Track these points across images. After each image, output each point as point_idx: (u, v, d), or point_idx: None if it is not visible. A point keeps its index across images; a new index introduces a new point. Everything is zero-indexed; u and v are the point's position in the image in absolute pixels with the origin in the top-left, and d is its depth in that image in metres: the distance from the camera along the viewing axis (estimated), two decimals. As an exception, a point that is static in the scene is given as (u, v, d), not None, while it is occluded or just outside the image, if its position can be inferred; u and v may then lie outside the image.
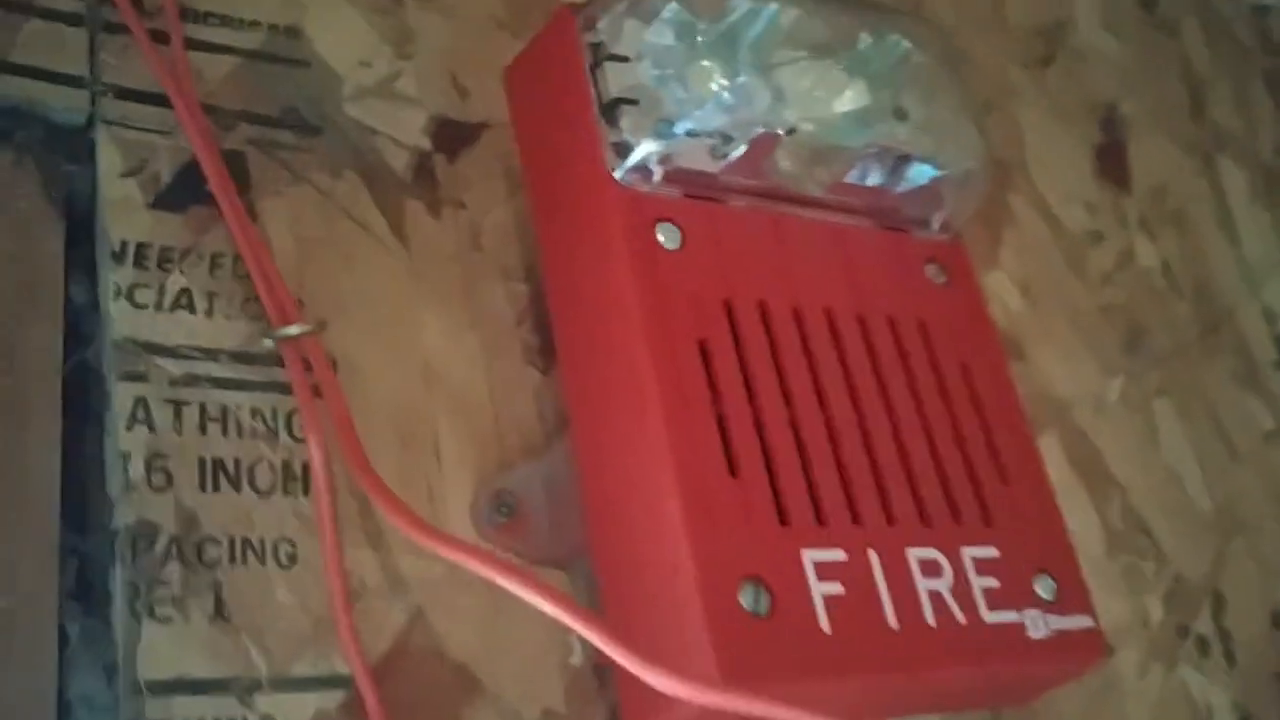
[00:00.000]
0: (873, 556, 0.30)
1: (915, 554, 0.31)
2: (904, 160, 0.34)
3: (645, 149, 0.31)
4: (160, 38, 0.34)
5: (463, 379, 0.34)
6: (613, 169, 0.31)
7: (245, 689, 0.28)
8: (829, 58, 0.34)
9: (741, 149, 0.32)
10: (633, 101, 0.31)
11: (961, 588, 0.31)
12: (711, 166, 0.32)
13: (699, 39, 0.32)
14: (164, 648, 0.28)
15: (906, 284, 0.35)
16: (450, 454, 0.33)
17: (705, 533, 0.28)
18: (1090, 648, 0.32)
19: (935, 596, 0.30)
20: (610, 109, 0.31)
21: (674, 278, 0.31)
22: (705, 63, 0.32)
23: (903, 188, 0.35)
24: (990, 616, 0.31)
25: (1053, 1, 0.57)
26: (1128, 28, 0.59)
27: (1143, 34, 0.59)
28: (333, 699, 0.29)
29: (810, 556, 0.29)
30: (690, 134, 0.31)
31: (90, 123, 0.32)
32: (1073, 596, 0.33)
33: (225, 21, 0.36)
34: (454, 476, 0.33)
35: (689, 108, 0.31)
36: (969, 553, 0.31)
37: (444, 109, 0.38)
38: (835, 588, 0.29)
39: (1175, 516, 0.47)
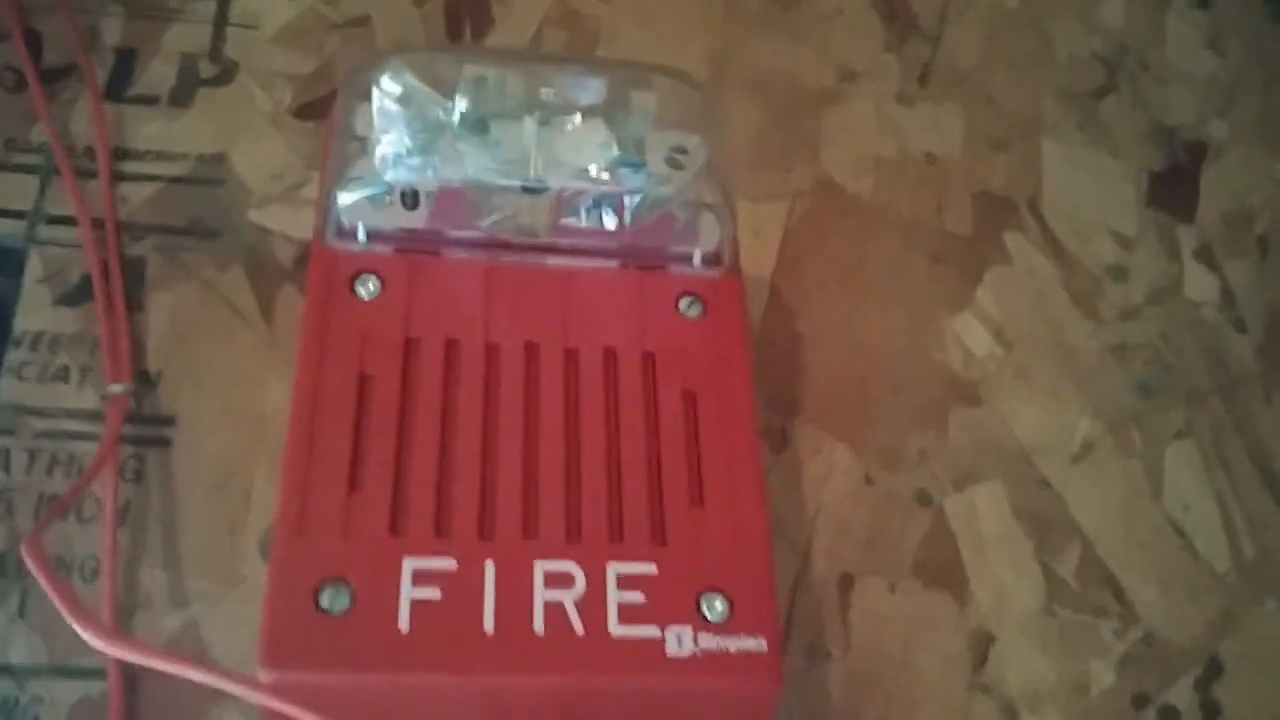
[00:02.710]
0: (489, 567, 0.31)
1: (545, 566, 0.31)
2: (620, 202, 0.36)
3: (337, 210, 0.35)
4: (95, 175, 0.44)
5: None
6: (321, 233, 0.36)
7: (24, 674, 0.35)
8: (551, 114, 0.36)
9: (425, 207, 0.35)
10: (358, 176, 0.36)
11: (592, 601, 0.31)
12: (412, 222, 0.36)
13: (422, 108, 0.36)
14: (-34, 637, 0.36)
15: (642, 317, 0.36)
16: (260, 496, 0.39)
17: (292, 539, 0.31)
18: (757, 671, 0.31)
19: (554, 607, 0.31)
20: (334, 180, 0.36)
21: (361, 323, 0.35)
22: (410, 126, 0.36)
23: (636, 228, 0.36)
24: (619, 630, 0.31)
25: (1126, 29, 0.53)
26: (1237, 43, 0.53)
27: (1258, 46, 0.53)
28: (96, 688, 0.35)
29: (412, 564, 0.31)
30: (375, 190, 0.35)
31: (26, 244, 0.42)
32: (749, 620, 0.31)
33: (159, 156, 0.45)
34: (258, 515, 0.38)
35: (380, 168, 0.35)
36: (616, 568, 0.32)
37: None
38: (431, 593, 0.31)
39: (1164, 574, 0.41)
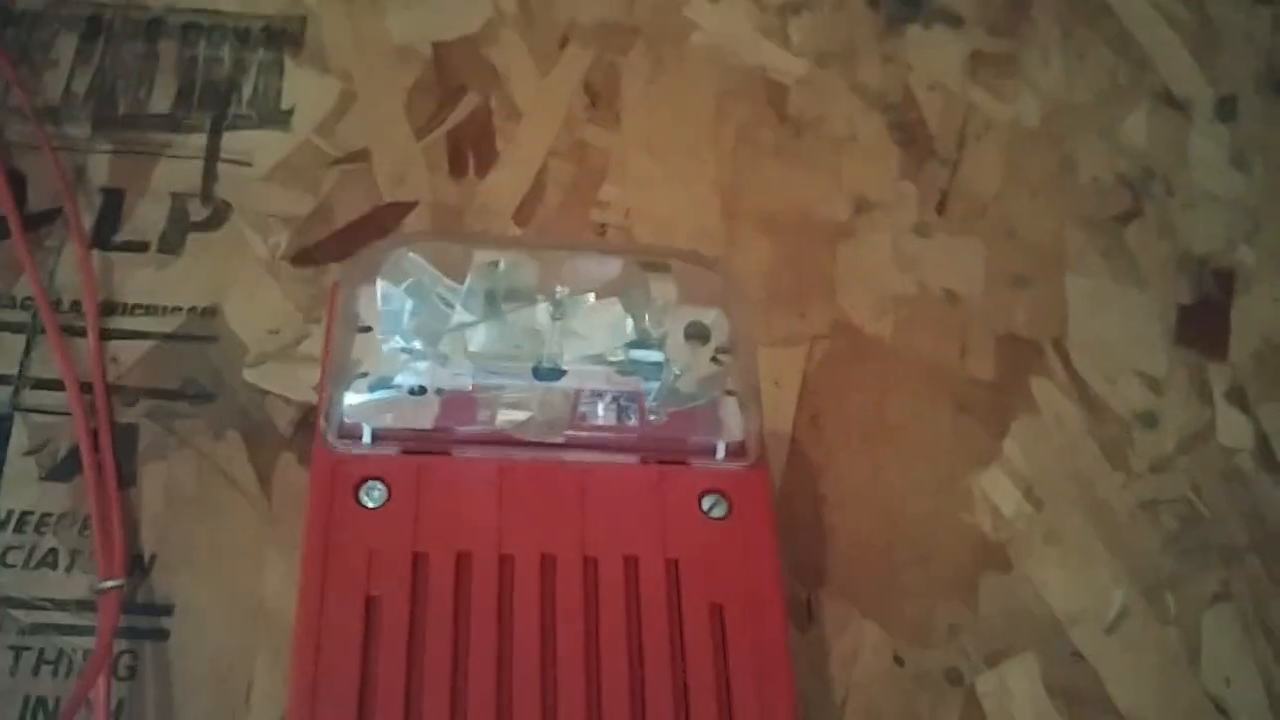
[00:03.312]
0: (507, 819, 0.30)
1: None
2: (640, 396, 0.34)
3: (340, 410, 0.33)
4: (83, 333, 0.42)
5: (291, 616, 0.38)
6: (324, 433, 0.34)
7: None
8: (567, 300, 0.34)
9: (435, 405, 0.33)
10: (363, 374, 0.34)
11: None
12: (420, 421, 0.34)
13: (431, 296, 0.34)
14: None
15: (663, 519, 0.34)
16: (260, 692, 0.37)
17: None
18: None
19: None
20: (339, 378, 0.34)
21: (366, 535, 0.33)
22: (418, 319, 0.34)
23: (654, 421, 0.34)
24: None
25: (1149, 147, 0.51)
26: (1261, 159, 0.51)
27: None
28: None
29: (427, 817, 0.29)
30: (383, 390, 0.33)
31: (11, 411, 0.40)
32: None
33: (149, 310, 0.43)
34: (259, 714, 0.36)
35: (388, 365, 0.33)
36: (644, 815, 0.30)
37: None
38: None
39: (1204, 754, 0.39)
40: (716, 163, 0.48)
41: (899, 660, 0.39)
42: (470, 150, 0.47)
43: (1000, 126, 0.51)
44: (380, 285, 0.34)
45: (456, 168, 0.47)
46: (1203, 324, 0.47)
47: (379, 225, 0.45)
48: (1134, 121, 0.52)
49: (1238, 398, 0.46)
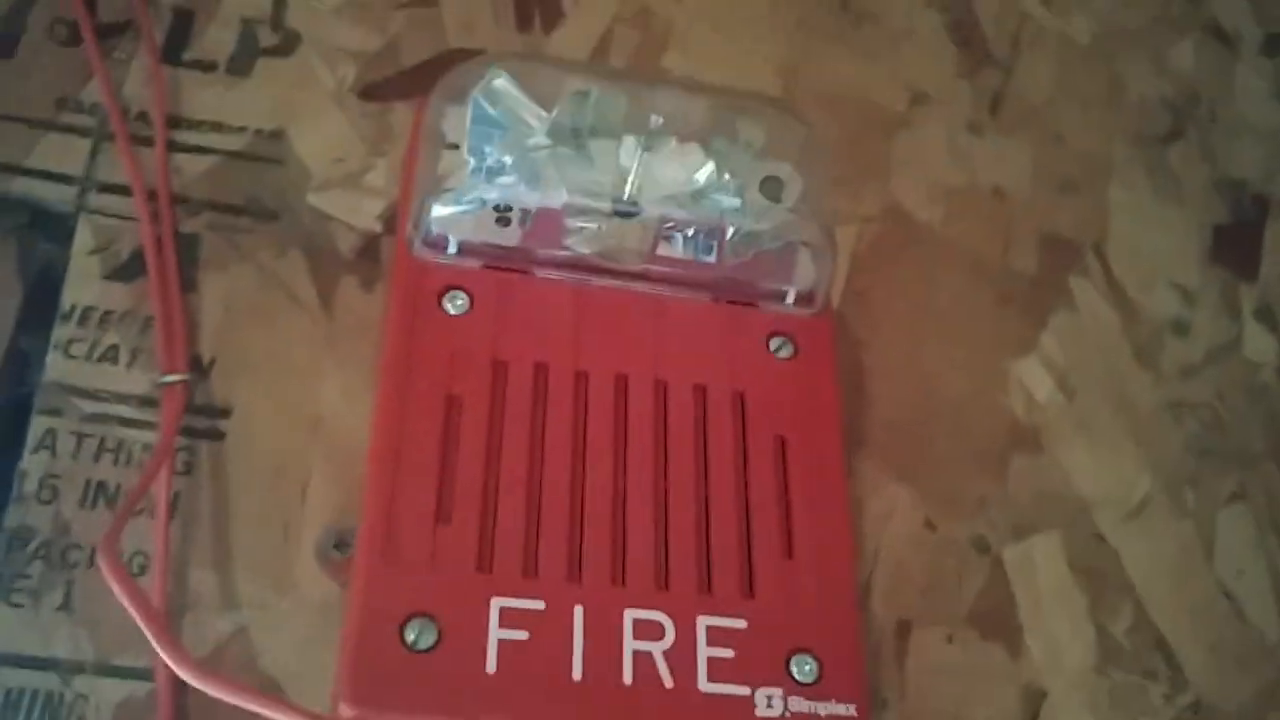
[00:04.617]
0: (578, 612, 0.30)
1: (634, 615, 0.31)
2: (721, 235, 0.35)
3: (429, 220, 0.34)
4: (149, 142, 0.42)
5: (349, 433, 0.38)
6: (410, 242, 0.34)
7: (69, 670, 0.34)
8: (653, 137, 0.35)
9: (522, 221, 0.34)
10: (453, 188, 0.35)
11: (682, 654, 0.30)
12: (504, 239, 0.34)
13: (521, 120, 0.35)
14: (8, 627, 0.34)
15: (732, 355, 0.35)
16: (316, 496, 0.37)
17: (379, 570, 0.30)
18: (845, 738, 0.30)
19: (643, 658, 0.30)
20: (428, 190, 0.35)
21: (449, 339, 0.33)
22: (506, 139, 0.34)
23: (731, 262, 0.35)
24: (707, 686, 0.30)
25: (1196, 75, 0.52)
26: (1302, 97, 0.52)
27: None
28: (143, 689, 0.34)
29: (500, 603, 0.30)
30: (471, 205, 0.34)
31: (75, 211, 0.40)
32: (839, 684, 0.31)
33: (216, 127, 0.43)
34: (313, 516, 0.37)
35: (475, 182, 0.34)
36: (706, 621, 0.31)
37: (405, 197, 0.43)
38: (519, 634, 0.30)
39: (1214, 640, 0.41)
40: (777, 43, 0.49)
41: (930, 525, 0.40)
42: (537, 7, 0.48)
43: (1053, 38, 0.52)
44: (471, 103, 0.35)
45: (523, 22, 0.47)
46: (1237, 245, 0.48)
47: (445, 69, 0.45)
48: (1182, 49, 0.53)
49: (1265, 316, 0.47)
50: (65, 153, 0.41)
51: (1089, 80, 0.51)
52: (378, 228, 0.42)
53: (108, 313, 0.39)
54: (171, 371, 0.37)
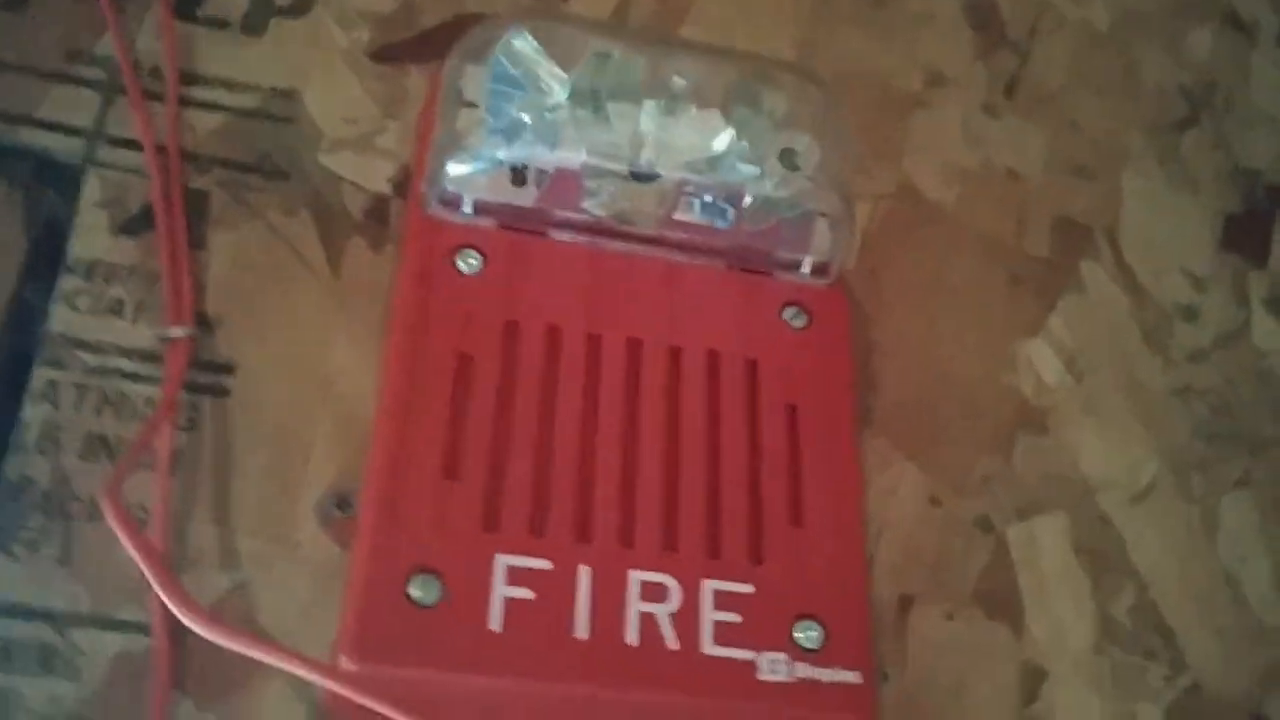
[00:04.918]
0: (584, 572, 0.30)
1: (640, 576, 0.30)
2: (738, 202, 0.34)
3: (445, 177, 0.34)
4: (160, 97, 0.41)
5: (356, 395, 0.38)
6: (425, 199, 0.34)
7: (65, 622, 0.34)
8: (673, 101, 0.35)
9: (538, 181, 0.34)
10: (469, 146, 0.34)
11: (687, 617, 0.30)
12: (519, 199, 0.34)
13: (541, 80, 0.35)
14: (5, 578, 0.34)
15: (746, 322, 0.35)
16: (320, 456, 0.37)
17: (385, 522, 0.30)
18: (850, 705, 0.30)
19: (648, 619, 0.30)
20: (445, 148, 0.35)
21: (461, 298, 0.33)
22: (525, 99, 0.34)
23: (748, 229, 0.35)
24: (712, 649, 0.30)
25: (1212, 63, 0.52)
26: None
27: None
28: (139, 643, 0.34)
29: (505, 561, 0.30)
30: (488, 164, 0.34)
31: (84, 163, 0.40)
32: (843, 651, 0.31)
33: (228, 85, 0.42)
34: (317, 476, 0.37)
35: (493, 141, 0.34)
36: (712, 585, 0.31)
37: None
38: (524, 593, 0.30)
39: (1215, 623, 0.41)
40: (795, 22, 0.49)
41: (935, 501, 0.40)
42: (557, -26, 0.47)
43: (1070, 24, 0.52)
44: (492, 62, 0.34)
45: (540, -13, 0.47)
46: (1248, 233, 0.48)
47: (460, 33, 0.45)
48: (1199, 37, 0.53)
49: (1275, 305, 0.47)
50: (75, 105, 0.41)
51: (1105, 67, 0.51)
52: (388, 190, 0.41)
53: (114, 266, 0.39)
54: (179, 323, 0.37)
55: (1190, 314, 0.46)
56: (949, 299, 0.44)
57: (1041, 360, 0.44)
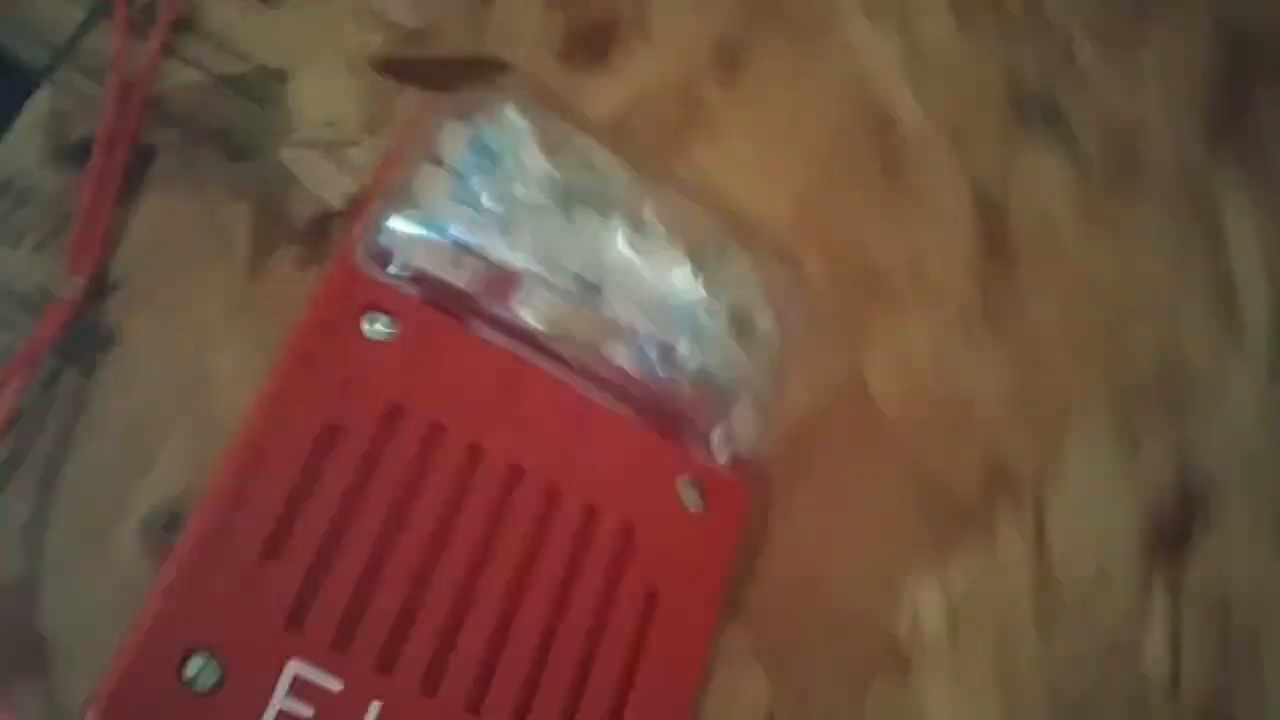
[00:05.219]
0: (374, 707, 0.28)
1: (436, 729, 0.28)
2: (673, 357, 0.33)
3: (382, 229, 0.31)
4: (143, 35, 0.39)
5: (224, 410, 0.35)
6: (355, 244, 0.32)
7: None
8: (644, 230, 0.33)
9: (475, 269, 0.31)
10: (415, 203, 0.32)
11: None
12: (453, 277, 0.32)
13: (518, 162, 0.33)
14: None
15: (638, 486, 0.33)
16: (163, 467, 0.34)
17: (182, 583, 0.27)
18: None
19: (421, 777, 0.28)
20: (395, 200, 0.32)
21: (353, 362, 0.31)
22: (496, 176, 0.32)
23: (672, 387, 0.33)
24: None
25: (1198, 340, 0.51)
26: None
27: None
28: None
29: (296, 668, 0.27)
30: (433, 232, 0.31)
31: (40, 77, 0.37)
32: None
33: (220, 45, 0.40)
34: (153, 487, 0.34)
35: (447, 210, 0.32)
36: (505, 759, 0.29)
37: (377, 186, 0.40)
38: (302, 710, 0.27)
39: None
40: (805, 174, 0.47)
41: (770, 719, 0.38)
42: (585, 46, 0.45)
43: (1074, 261, 0.50)
44: (474, 129, 0.32)
45: (567, 53, 0.45)
46: (1172, 548, 0.47)
47: (473, 70, 0.43)
48: (1189, 314, 0.52)
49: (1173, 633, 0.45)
50: (54, 16, 0.38)
51: (1092, 320, 0.50)
52: (339, 206, 0.39)
53: (30, 190, 0.36)
54: (73, 275, 0.34)
55: (1088, 611, 0.44)
56: (856, 514, 0.42)
57: (926, 606, 0.42)
